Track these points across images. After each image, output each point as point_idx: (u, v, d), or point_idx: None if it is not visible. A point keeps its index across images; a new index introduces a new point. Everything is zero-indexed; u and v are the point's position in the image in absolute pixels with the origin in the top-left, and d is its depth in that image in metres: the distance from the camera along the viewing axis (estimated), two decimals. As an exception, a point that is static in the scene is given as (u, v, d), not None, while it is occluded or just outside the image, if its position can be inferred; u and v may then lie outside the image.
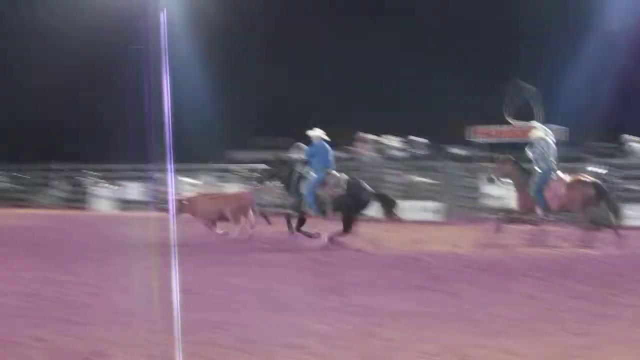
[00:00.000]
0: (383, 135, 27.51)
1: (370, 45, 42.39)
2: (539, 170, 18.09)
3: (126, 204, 34.25)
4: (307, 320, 9.01)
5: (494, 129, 28.36)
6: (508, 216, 18.68)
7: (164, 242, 16.00)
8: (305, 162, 18.18)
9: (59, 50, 42.35)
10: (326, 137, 18.22)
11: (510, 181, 18.79)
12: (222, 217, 18.89)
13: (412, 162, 27.88)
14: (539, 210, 18.24)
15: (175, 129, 12.46)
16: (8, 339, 8.04)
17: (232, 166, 32.14)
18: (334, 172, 17.94)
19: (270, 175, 18.69)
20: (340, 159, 27.26)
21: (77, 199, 35.50)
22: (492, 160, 21.81)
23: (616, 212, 18.33)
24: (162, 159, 17.68)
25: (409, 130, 28.27)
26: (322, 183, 17.62)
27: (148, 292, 10.37)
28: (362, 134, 27.11)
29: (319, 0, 44.53)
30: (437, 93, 39.21)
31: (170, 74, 13.23)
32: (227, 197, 19.70)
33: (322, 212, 17.70)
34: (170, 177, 18.69)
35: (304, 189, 17.79)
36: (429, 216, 25.25)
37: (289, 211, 18.10)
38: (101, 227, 18.66)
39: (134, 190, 34.87)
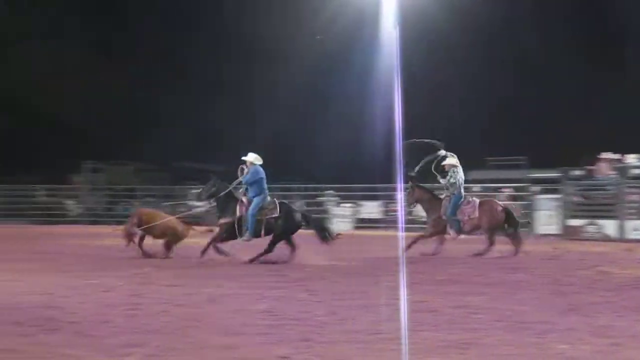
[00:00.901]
0: (626, 155, 26.66)
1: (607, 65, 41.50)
2: (453, 195, 19.46)
3: (363, 223, 34.75)
4: (547, 340, 8.85)
5: None
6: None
7: (398, 259, 16.16)
8: (243, 186, 18.60)
9: (287, 72, 43.49)
10: (260, 161, 18.41)
11: (422, 206, 20.33)
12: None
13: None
14: (451, 232, 19.50)
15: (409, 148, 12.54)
16: (256, 356, 8.32)
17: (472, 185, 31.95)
18: (269, 196, 18.41)
19: (210, 195, 18.88)
20: (576, 178, 26.57)
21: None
22: None
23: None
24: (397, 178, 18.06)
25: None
26: (260, 207, 18.12)
27: (383, 310, 10.46)
28: (605, 154, 26.34)
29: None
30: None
31: (406, 94, 13.35)
32: (172, 221, 19.76)
33: (257, 235, 18.19)
34: (400, 196, 19.22)
35: (239, 211, 18.22)
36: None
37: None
38: (338, 245, 18.87)
39: (370, 209, 35.35)
